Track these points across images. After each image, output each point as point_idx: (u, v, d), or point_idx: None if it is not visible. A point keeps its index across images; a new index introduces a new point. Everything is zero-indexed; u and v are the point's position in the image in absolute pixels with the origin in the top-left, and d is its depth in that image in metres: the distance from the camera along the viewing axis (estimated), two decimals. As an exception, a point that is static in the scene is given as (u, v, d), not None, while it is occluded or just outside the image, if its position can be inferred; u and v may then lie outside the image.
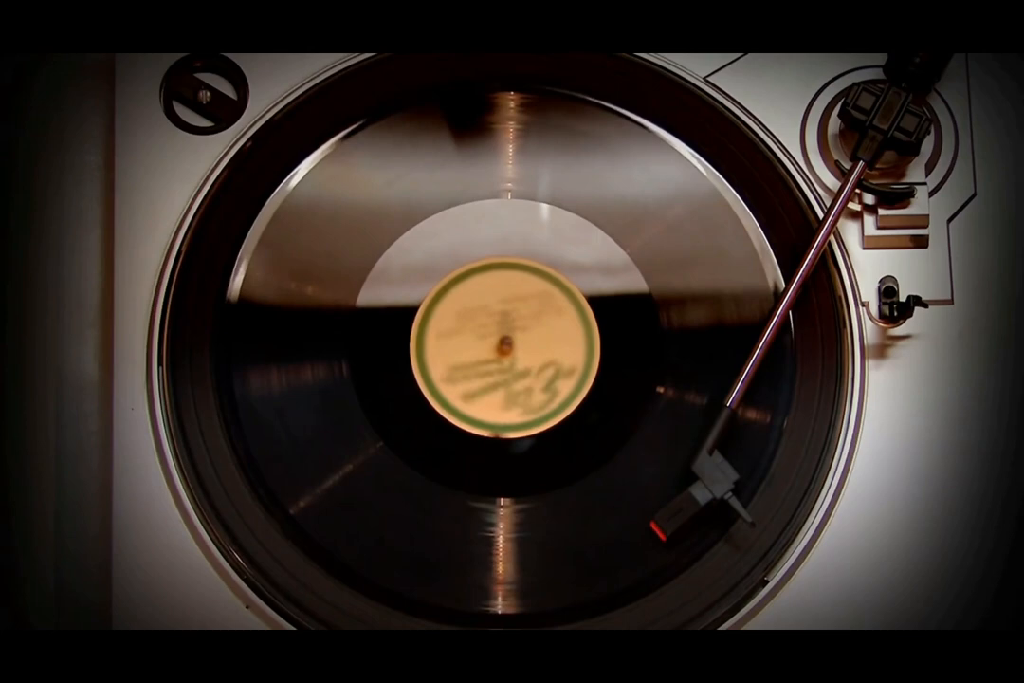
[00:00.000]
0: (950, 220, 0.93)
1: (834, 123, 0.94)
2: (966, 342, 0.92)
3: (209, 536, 0.90)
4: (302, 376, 0.92)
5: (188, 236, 0.93)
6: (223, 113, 0.96)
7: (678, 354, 0.92)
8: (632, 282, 0.93)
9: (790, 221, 0.93)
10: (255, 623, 0.90)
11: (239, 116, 0.95)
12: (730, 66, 0.95)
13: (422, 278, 0.93)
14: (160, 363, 0.92)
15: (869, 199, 0.92)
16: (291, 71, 0.95)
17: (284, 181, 0.94)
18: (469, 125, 0.96)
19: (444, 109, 0.96)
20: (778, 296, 0.91)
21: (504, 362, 0.92)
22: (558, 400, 0.92)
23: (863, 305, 0.92)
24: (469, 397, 0.92)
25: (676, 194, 0.94)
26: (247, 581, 0.90)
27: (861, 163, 0.91)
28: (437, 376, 0.92)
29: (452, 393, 0.92)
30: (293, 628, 0.89)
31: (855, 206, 0.93)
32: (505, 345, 0.92)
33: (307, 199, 0.94)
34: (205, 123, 0.96)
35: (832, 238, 0.92)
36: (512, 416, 0.92)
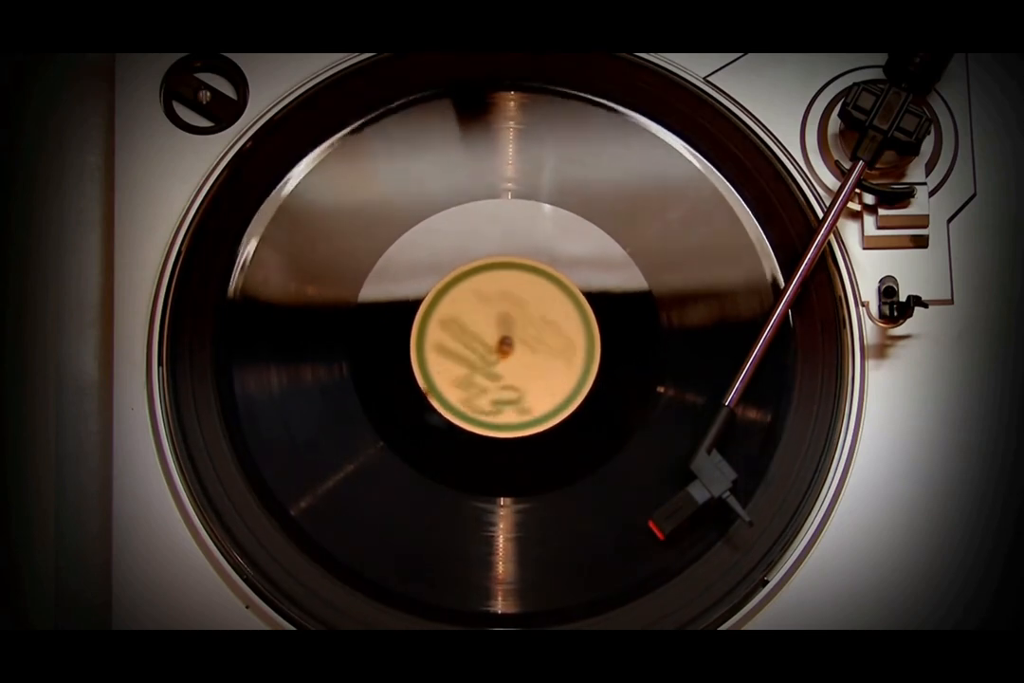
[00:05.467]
0: (950, 220, 0.93)
1: (834, 123, 0.94)
2: (966, 342, 0.92)
3: (209, 536, 0.90)
4: (302, 376, 0.92)
5: (188, 236, 0.93)
6: (223, 113, 0.96)
7: (678, 353, 0.92)
8: (632, 281, 0.93)
9: (790, 221, 0.93)
10: (255, 623, 0.90)
11: (239, 116, 0.95)
12: (730, 66, 0.95)
13: (423, 278, 0.93)
14: (160, 363, 0.92)
15: (869, 199, 0.92)
16: (291, 71, 0.95)
17: (284, 181, 0.94)
18: (469, 125, 0.96)
19: (444, 109, 0.96)
20: (778, 296, 0.91)
21: (492, 359, 0.92)
22: (508, 415, 0.92)
23: (863, 305, 0.92)
24: (439, 346, 0.92)
25: (676, 194, 0.94)
26: (247, 581, 0.90)
27: (861, 163, 0.91)
28: (438, 376, 0.92)
29: (453, 393, 0.92)
30: (293, 628, 0.89)
31: (855, 206, 0.93)
32: (505, 345, 0.92)
33: (307, 199, 0.94)
34: (205, 123, 0.96)
35: (832, 238, 0.92)
36: (522, 415, 0.92)
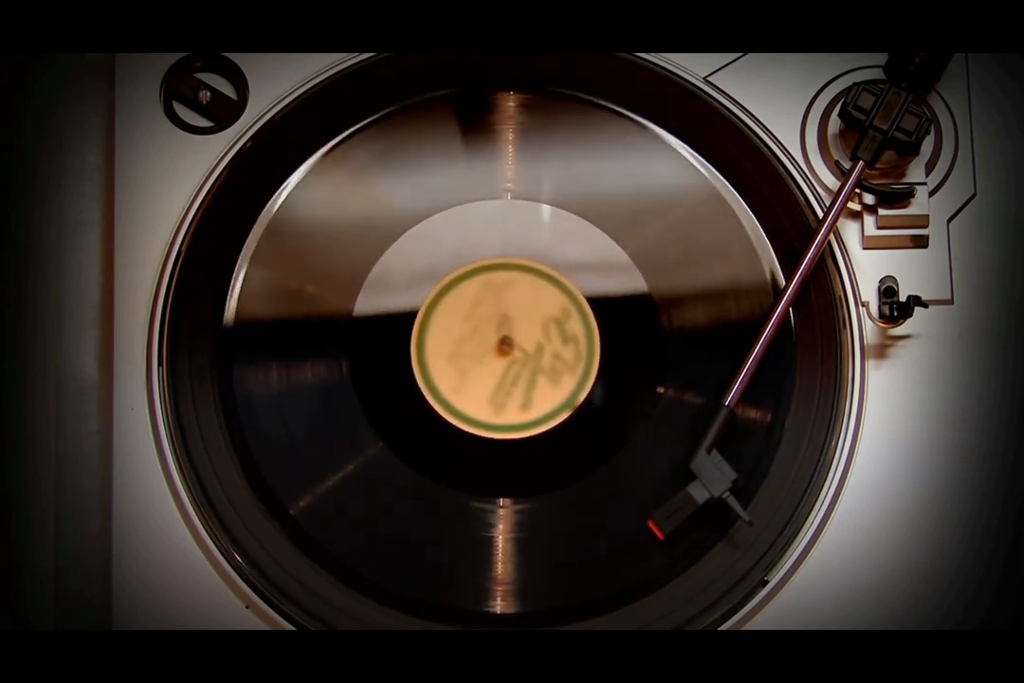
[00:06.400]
0: (950, 220, 0.93)
1: (834, 123, 0.94)
2: (966, 342, 0.92)
3: (209, 536, 0.90)
4: (302, 376, 0.92)
5: (188, 236, 0.93)
6: (223, 113, 0.96)
7: (678, 354, 0.92)
8: (632, 282, 0.93)
9: (790, 221, 0.93)
10: (255, 623, 0.90)
11: (239, 116, 0.95)
12: (730, 66, 0.95)
13: (423, 279, 0.93)
14: (160, 363, 0.92)
15: (869, 199, 0.92)
16: (291, 71, 0.95)
17: (284, 181, 0.94)
18: (469, 126, 0.96)
19: (444, 110, 0.96)
20: (778, 296, 0.91)
21: (509, 359, 0.92)
22: (567, 388, 0.92)
23: (863, 305, 0.92)
24: (492, 402, 0.92)
25: (676, 194, 0.94)
26: (247, 581, 0.90)
27: (861, 163, 0.91)
28: (438, 377, 0.92)
29: (452, 392, 0.92)
30: (293, 628, 0.89)
31: (855, 206, 0.93)
32: (505, 345, 0.92)
33: (307, 199, 0.94)
34: (205, 123, 0.96)
35: (832, 238, 0.92)
36: (521, 415, 0.92)
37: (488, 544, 0.91)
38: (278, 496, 0.91)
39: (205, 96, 0.95)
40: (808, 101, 0.95)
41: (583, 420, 0.92)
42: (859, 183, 0.91)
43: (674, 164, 0.95)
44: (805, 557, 0.90)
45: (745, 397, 0.90)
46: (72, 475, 0.93)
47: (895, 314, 0.91)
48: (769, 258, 0.93)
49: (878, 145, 0.91)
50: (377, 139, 0.95)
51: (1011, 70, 0.95)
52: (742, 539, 0.90)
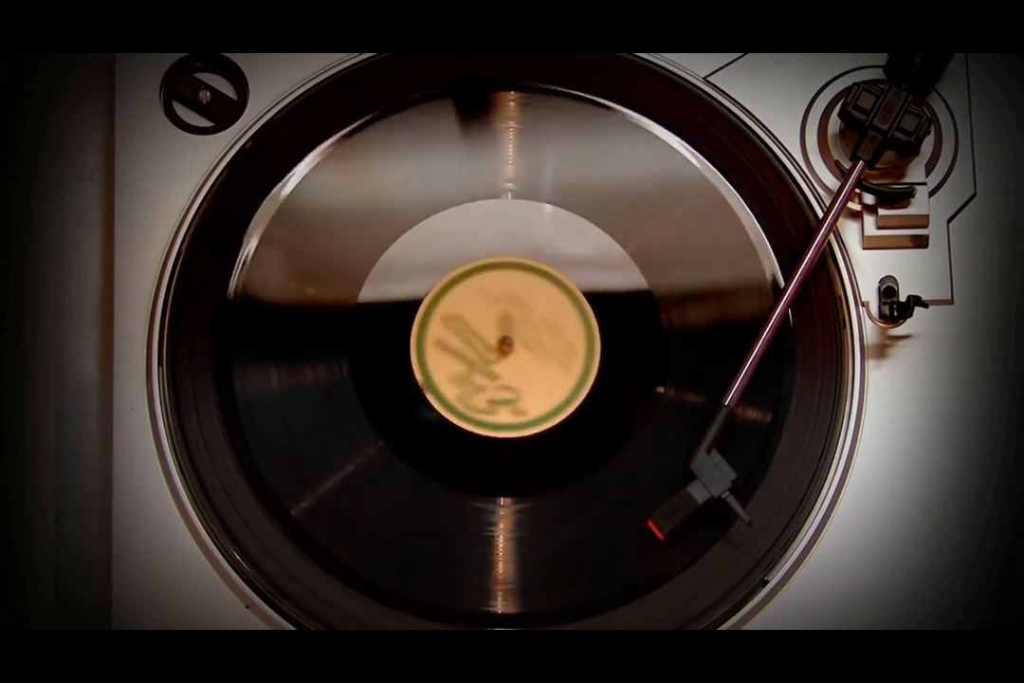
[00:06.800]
0: (950, 220, 0.93)
1: (834, 123, 0.94)
2: (966, 342, 0.92)
3: (209, 536, 0.90)
4: (302, 376, 0.92)
5: (188, 236, 0.93)
6: (223, 113, 0.96)
7: (678, 353, 0.92)
8: (632, 281, 0.93)
9: (790, 221, 0.93)
10: (255, 623, 0.90)
11: (239, 116, 0.95)
12: (730, 66, 0.95)
13: (423, 277, 0.93)
14: (160, 363, 0.92)
15: (869, 199, 0.92)
16: (291, 71, 0.95)
17: (284, 181, 0.94)
18: (469, 125, 0.96)
19: (444, 109, 0.96)
20: (778, 295, 0.91)
21: (492, 358, 0.92)
22: (503, 415, 0.92)
23: (863, 305, 0.92)
24: (439, 345, 0.91)
25: (676, 193, 0.94)
26: (247, 581, 0.90)
27: (861, 163, 0.91)
28: (438, 376, 0.92)
29: (449, 389, 0.92)
30: (293, 628, 0.89)
31: (855, 206, 0.93)
32: (505, 345, 0.92)
33: (307, 199, 0.94)
34: (205, 123, 0.96)
35: (832, 238, 0.92)
36: (502, 416, 0.92)
37: (488, 544, 0.91)
38: (278, 496, 0.91)
39: (205, 96, 0.95)
40: (808, 101, 0.95)
41: (583, 419, 0.92)
42: (859, 183, 0.91)
43: (674, 164, 0.95)
44: (805, 557, 0.90)
45: (745, 397, 0.90)
46: (72, 475, 0.93)
47: (895, 314, 0.91)
48: (769, 258, 0.93)
49: (878, 145, 0.91)
50: (377, 139, 0.95)
51: (1011, 70, 0.95)
52: (742, 539, 0.90)
